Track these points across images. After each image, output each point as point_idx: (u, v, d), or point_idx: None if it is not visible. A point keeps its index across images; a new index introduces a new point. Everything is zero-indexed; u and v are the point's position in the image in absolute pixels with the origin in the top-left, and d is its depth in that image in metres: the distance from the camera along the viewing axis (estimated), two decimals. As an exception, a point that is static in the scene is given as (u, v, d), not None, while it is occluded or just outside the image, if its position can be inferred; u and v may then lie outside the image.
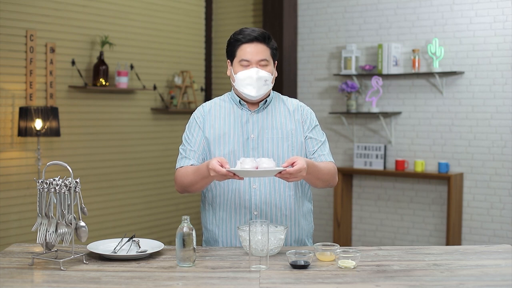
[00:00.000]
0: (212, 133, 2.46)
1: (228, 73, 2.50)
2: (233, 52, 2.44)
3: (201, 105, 2.57)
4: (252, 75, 2.38)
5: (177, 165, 2.48)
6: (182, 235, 2.05)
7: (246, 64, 2.40)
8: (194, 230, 2.07)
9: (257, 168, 2.17)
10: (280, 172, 2.19)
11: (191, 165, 2.44)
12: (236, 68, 2.43)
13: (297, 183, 2.48)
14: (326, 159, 2.49)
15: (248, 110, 2.48)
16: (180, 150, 2.51)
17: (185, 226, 2.06)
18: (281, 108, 2.52)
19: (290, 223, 2.46)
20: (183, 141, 2.52)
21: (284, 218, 2.45)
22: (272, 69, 2.45)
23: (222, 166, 2.18)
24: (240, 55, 2.41)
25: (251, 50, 2.39)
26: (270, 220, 2.42)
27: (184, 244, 2.05)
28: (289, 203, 2.46)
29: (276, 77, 2.59)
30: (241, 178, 2.22)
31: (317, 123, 2.57)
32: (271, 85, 2.46)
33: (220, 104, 2.53)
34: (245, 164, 2.17)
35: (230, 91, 2.57)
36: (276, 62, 2.50)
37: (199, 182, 2.35)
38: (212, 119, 2.49)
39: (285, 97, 2.58)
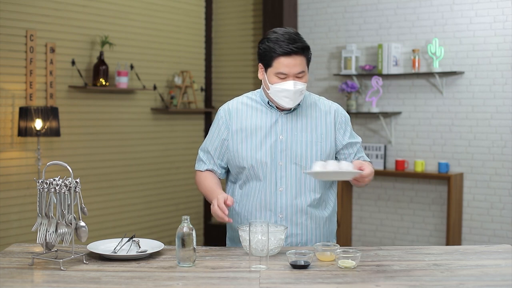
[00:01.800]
0: (240, 133, 2.42)
1: (260, 76, 2.40)
2: (268, 61, 2.33)
3: (226, 103, 2.51)
4: (290, 88, 2.30)
5: (195, 167, 2.53)
6: (182, 235, 2.05)
7: (283, 77, 2.30)
8: (194, 230, 2.07)
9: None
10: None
11: (207, 169, 2.48)
12: (271, 78, 2.33)
13: (324, 186, 2.45)
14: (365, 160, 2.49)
15: (278, 110, 2.42)
16: (199, 150, 2.53)
17: (185, 226, 2.06)
18: (312, 109, 2.45)
19: (314, 226, 2.43)
20: (204, 140, 2.53)
21: (310, 221, 2.42)
22: (307, 76, 2.37)
23: (225, 202, 2.22)
24: (277, 67, 2.30)
25: (289, 63, 2.28)
26: (295, 223, 2.40)
27: (184, 244, 2.05)
28: (314, 206, 2.42)
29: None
30: (230, 220, 2.23)
31: (351, 125, 2.53)
32: (305, 92, 2.40)
33: (247, 103, 2.47)
34: (328, 166, 2.16)
35: (259, 89, 2.49)
36: (310, 62, 2.40)
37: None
38: (239, 118, 2.44)
39: (317, 97, 2.51)
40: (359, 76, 5.34)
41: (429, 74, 5.03)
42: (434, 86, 5.08)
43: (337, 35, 5.53)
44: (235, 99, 2.52)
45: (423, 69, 5.09)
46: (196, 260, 2.11)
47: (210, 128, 2.52)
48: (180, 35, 5.84)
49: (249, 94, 2.51)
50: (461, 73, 4.93)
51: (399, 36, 5.21)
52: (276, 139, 2.39)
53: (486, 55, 4.84)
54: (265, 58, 2.33)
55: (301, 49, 2.29)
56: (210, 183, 2.44)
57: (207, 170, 2.49)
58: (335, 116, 2.45)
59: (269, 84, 2.34)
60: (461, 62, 4.94)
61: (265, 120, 2.42)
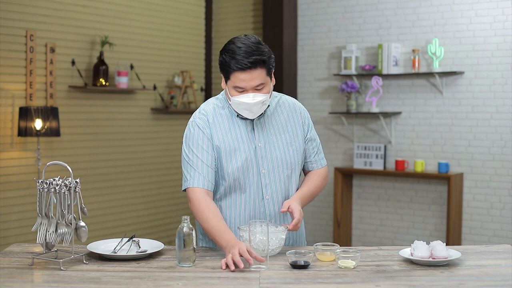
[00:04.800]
0: (223, 147, 2.30)
1: (223, 86, 2.31)
2: (226, 75, 2.23)
3: (199, 113, 2.35)
4: (248, 101, 2.21)
5: (191, 183, 2.25)
6: (182, 235, 2.05)
7: (241, 90, 2.21)
8: (194, 230, 2.07)
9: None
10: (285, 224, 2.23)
11: (208, 185, 2.25)
12: (231, 90, 2.24)
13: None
14: (322, 165, 2.49)
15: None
16: (187, 168, 2.27)
17: (185, 226, 2.06)
18: (280, 109, 2.41)
19: (298, 231, 2.43)
20: (188, 156, 2.28)
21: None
22: (270, 86, 2.27)
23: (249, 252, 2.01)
24: (234, 81, 2.20)
25: (245, 78, 2.18)
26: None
27: (184, 244, 2.05)
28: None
29: (276, 77, 2.49)
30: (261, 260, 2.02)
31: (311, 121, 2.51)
32: (269, 100, 2.31)
33: (220, 113, 2.34)
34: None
35: (222, 96, 2.40)
36: (273, 69, 2.28)
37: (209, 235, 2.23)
38: (219, 132, 2.31)
39: (278, 96, 2.45)
40: (359, 76, 5.34)
41: (429, 74, 5.03)
42: (434, 86, 5.08)
43: (337, 35, 5.53)
44: (207, 109, 2.35)
45: (423, 69, 5.09)
46: (196, 260, 2.11)
47: (193, 142, 2.30)
48: (180, 35, 5.84)
49: (217, 101, 2.37)
50: (461, 73, 4.93)
51: (399, 36, 5.21)
52: (255, 147, 2.33)
53: (486, 55, 4.84)
54: (223, 71, 2.23)
55: (257, 63, 2.17)
56: (216, 220, 2.18)
57: (205, 188, 2.26)
58: (300, 112, 2.44)
59: (230, 96, 2.26)
60: (461, 62, 4.94)
61: (242, 130, 2.33)
